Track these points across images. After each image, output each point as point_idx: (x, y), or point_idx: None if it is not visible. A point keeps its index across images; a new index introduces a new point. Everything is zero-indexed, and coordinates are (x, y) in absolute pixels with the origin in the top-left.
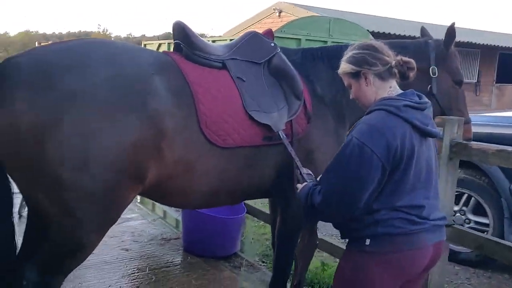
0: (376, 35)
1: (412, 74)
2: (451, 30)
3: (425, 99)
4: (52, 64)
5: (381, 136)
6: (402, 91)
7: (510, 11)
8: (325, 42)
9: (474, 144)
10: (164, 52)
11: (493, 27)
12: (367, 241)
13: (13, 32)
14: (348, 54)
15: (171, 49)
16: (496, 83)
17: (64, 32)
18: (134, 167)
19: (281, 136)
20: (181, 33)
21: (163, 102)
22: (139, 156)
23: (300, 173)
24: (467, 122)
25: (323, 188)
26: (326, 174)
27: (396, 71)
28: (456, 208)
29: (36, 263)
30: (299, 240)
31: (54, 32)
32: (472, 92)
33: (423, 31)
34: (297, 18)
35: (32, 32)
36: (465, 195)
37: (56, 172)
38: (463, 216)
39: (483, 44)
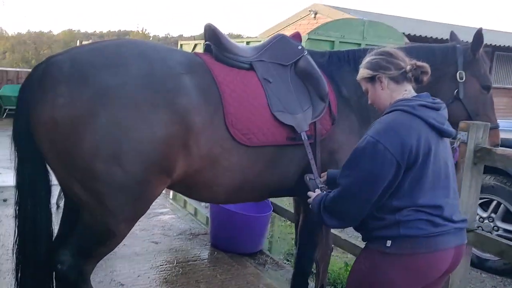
0: (412, 38)
1: (426, 78)
2: (478, 35)
3: (439, 100)
4: (88, 63)
5: (395, 133)
6: (417, 94)
7: None
8: (359, 44)
9: (499, 149)
10: (194, 53)
11: None
12: (388, 243)
13: (56, 31)
14: (365, 60)
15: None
16: None
17: (104, 31)
18: (164, 160)
19: (303, 138)
20: (212, 35)
21: (191, 100)
22: (168, 150)
23: (310, 178)
24: (495, 127)
25: (340, 184)
26: (342, 171)
27: (410, 75)
28: (484, 215)
29: (70, 248)
30: (317, 244)
31: (95, 31)
32: None
33: (452, 35)
34: (332, 20)
35: (75, 30)
36: (494, 202)
37: (90, 163)
38: (491, 223)
39: None
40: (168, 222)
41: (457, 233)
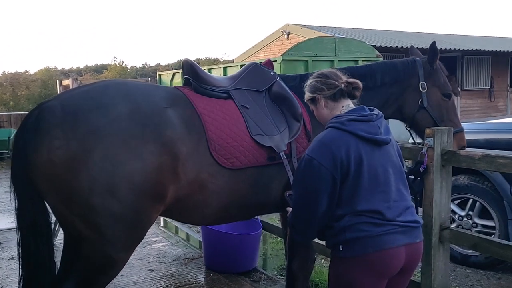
0: (383, 49)
1: (358, 93)
2: (433, 48)
3: (376, 112)
4: (78, 106)
5: (326, 149)
6: (353, 108)
7: None
8: (332, 61)
9: (463, 151)
10: (175, 87)
11: (503, 32)
12: (341, 247)
13: (32, 70)
14: (306, 83)
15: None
16: (510, 87)
17: (81, 66)
18: (156, 188)
19: (282, 157)
20: (189, 69)
21: (176, 131)
22: (159, 179)
23: (288, 195)
24: (460, 131)
25: (292, 205)
26: (292, 191)
27: (345, 92)
28: (463, 213)
29: (73, 280)
30: (296, 256)
31: (72, 67)
32: (486, 99)
33: (412, 49)
34: (304, 39)
35: (51, 68)
36: (471, 200)
37: (87, 198)
38: (470, 221)
39: (493, 50)
40: (162, 249)
41: (406, 232)
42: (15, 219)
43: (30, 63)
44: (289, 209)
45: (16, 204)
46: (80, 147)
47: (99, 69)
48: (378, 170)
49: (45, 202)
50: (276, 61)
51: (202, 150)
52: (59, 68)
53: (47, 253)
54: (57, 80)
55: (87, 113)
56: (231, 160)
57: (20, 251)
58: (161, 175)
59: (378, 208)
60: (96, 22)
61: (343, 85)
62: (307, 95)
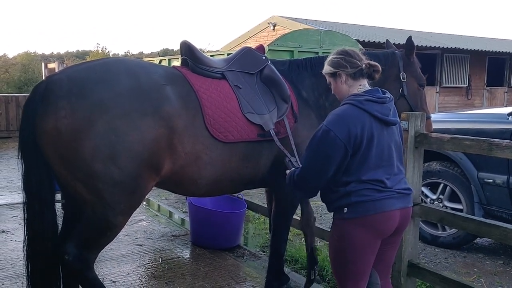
0: (366, 44)
1: (377, 76)
2: (410, 42)
3: (388, 95)
4: (84, 79)
5: (344, 124)
6: (369, 88)
7: (497, 17)
8: (317, 53)
9: (433, 134)
10: (173, 66)
11: (481, 32)
12: (345, 210)
13: (11, 53)
14: (329, 58)
15: (171, 65)
16: (486, 86)
17: (62, 51)
18: (153, 159)
19: (271, 133)
20: (187, 50)
21: (173, 107)
22: (156, 150)
23: (288, 160)
24: (428, 118)
25: (302, 164)
26: (304, 154)
27: (365, 72)
28: (434, 197)
29: (75, 240)
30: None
31: (52, 52)
32: (464, 96)
33: (388, 43)
34: (290, 31)
35: (32, 53)
36: (441, 185)
37: (90, 164)
38: (440, 204)
39: (472, 49)
40: (149, 227)
41: (400, 198)
42: (4, 197)
43: (9, 47)
44: (287, 171)
45: (23, 170)
46: (84, 117)
47: (81, 55)
48: (384, 147)
49: (50, 169)
50: None
51: (198, 124)
52: (39, 52)
53: (51, 216)
54: (42, 63)
55: (92, 86)
56: (224, 134)
57: (26, 215)
58: (159, 145)
59: (381, 178)
60: (79, 7)
61: (364, 66)
62: (329, 68)
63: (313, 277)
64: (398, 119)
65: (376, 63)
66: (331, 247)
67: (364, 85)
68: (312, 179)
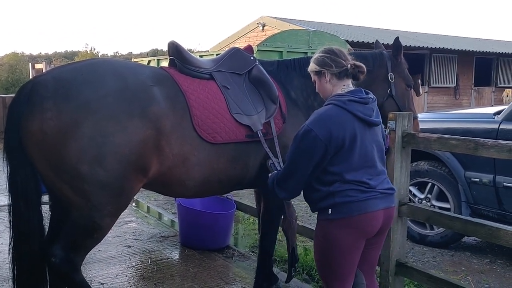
0: (354, 44)
1: (362, 76)
2: (397, 42)
3: (371, 96)
4: (70, 80)
5: (325, 124)
6: (353, 89)
7: (484, 18)
8: (306, 53)
9: (421, 134)
10: (161, 67)
11: (469, 33)
12: (329, 211)
13: None
14: (315, 55)
15: (159, 65)
16: (474, 86)
17: (50, 52)
18: (140, 160)
19: (259, 135)
20: (175, 50)
21: (161, 108)
22: (144, 151)
23: (272, 163)
24: (415, 118)
25: (285, 162)
26: (287, 156)
27: (350, 72)
28: (422, 196)
29: (61, 243)
30: (281, 218)
31: (40, 53)
32: (452, 96)
33: (377, 43)
34: (279, 31)
35: (19, 53)
36: (429, 184)
37: (76, 166)
38: (428, 203)
39: (460, 49)
40: (138, 228)
41: (384, 198)
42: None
43: None
44: (270, 174)
45: (8, 171)
46: (71, 119)
47: (69, 55)
48: (368, 147)
49: (36, 170)
50: None
51: (186, 125)
52: (27, 53)
53: (37, 218)
54: (30, 63)
55: (78, 88)
56: (212, 135)
57: (11, 217)
58: (146, 147)
59: (364, 179)
60: (67, 7)
61: (349, 66)
62: (314, 66)
63: (293, 274)
64: (381, 119)
65: (362, 64)
66: (316, 248)
67: (348, 85)
68: (292, 178)
